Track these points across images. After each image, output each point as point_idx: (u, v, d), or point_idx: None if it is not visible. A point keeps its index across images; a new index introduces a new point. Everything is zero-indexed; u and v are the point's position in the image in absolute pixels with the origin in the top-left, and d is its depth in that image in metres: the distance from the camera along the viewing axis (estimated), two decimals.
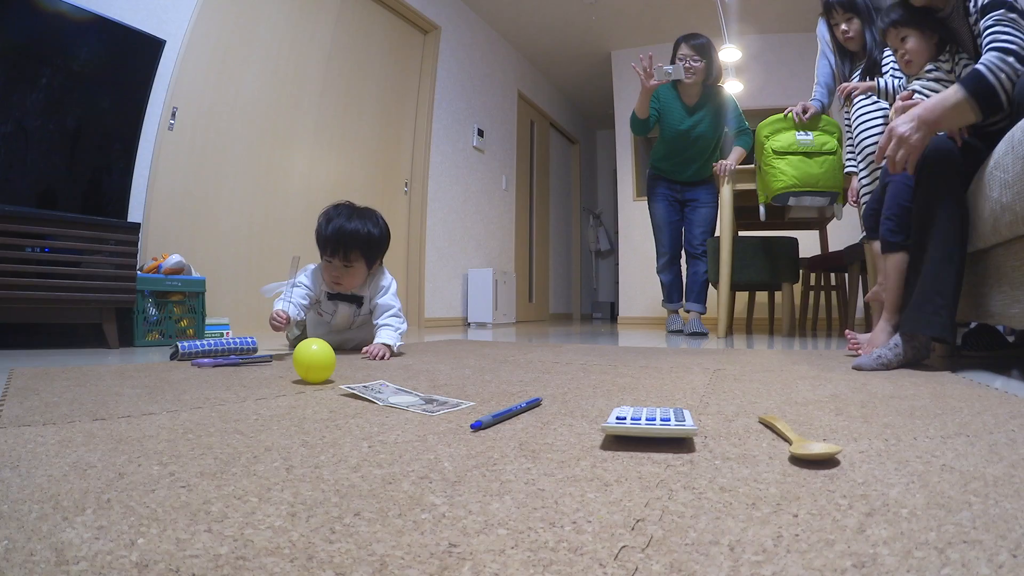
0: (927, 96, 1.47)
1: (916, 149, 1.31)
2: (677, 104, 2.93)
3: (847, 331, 1.69)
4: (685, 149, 2.97)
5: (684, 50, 2.83)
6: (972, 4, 1.37)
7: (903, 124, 1.31)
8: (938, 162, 1.32)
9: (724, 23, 3.89)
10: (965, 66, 1.47)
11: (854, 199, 2.34)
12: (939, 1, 1.46)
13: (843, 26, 1.95)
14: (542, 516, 0.42)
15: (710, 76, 2.88)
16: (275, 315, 1.54)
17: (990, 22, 1.31)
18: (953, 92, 1.28)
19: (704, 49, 2.82)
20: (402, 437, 0.67)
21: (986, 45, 1.30)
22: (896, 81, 1.74)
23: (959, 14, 1.45)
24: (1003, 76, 1.24)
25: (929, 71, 1.53)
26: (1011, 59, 1.25)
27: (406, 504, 0.45)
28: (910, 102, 1.46)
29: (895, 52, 1.59)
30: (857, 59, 2.02)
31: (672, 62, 2.85)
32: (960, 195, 1.33)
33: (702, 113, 2.92)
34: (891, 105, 1.77)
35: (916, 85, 1.55)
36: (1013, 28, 1.28)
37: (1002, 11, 1.30)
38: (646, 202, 3.24)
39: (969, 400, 0.91)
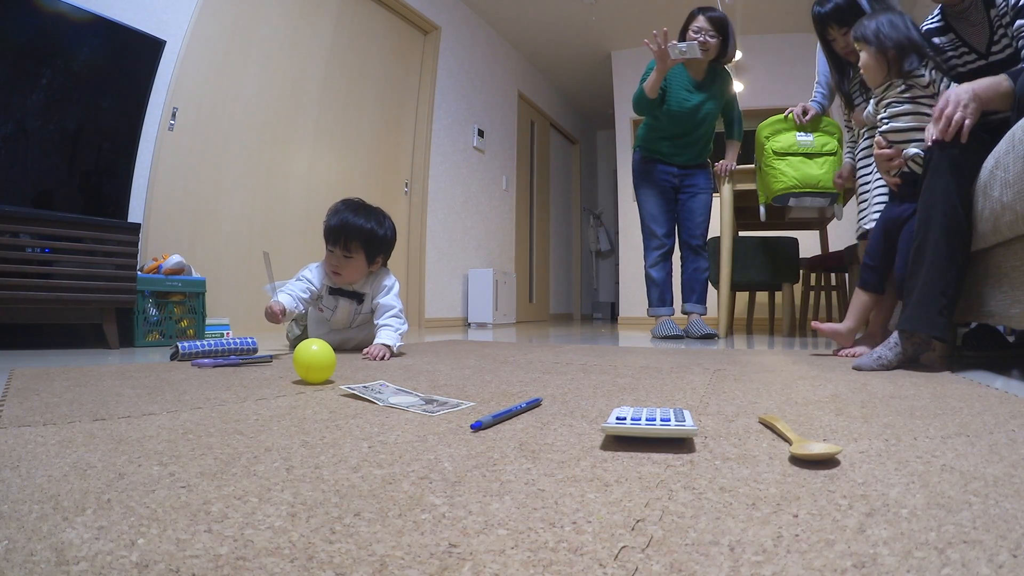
0: (901, 133, 1.51)
1: (970, 116, 1.30)
2: (684, 78, 2.67)
3: (814, 323, 1.72)
4: (692, 129, 2.72)
5: (700, 23, 2.56)
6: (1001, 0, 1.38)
7: (963, 92, 1.30)
8: (942, 160, 1.33)
9: None
10: (942, 80, 1.46)
11: (840, 179, 2.29)
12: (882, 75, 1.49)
13: (840, 42, 1.90)
14: (542, 516, 0.42)
15: (724, 55, 2.63)
16: (269, 307, 1.56)
17: None
18: (1005, 82, 1.29)
19: (722, 24, 2.57)
20: (402, 437, 0.67)
21: None
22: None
23: (977, 9, 1.45)
24: None
25: (902, 91, 1.52)
26: None
27: (406, 504, 0.45)
28: (886, 151, 1.53)
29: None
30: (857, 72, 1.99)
31: (682, 34, 2.61)
32: (964, 195, 1.33)
33: (709, 91, 2.69)
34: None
35: (885, 118, 1.55)
36: None
37: None
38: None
39: (969, 400, 0.91)
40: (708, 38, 2.54)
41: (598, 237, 7.05)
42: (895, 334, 1.36)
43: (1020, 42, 1.35)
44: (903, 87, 1.52)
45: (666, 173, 2.80)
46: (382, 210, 1.76)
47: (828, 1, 1.88)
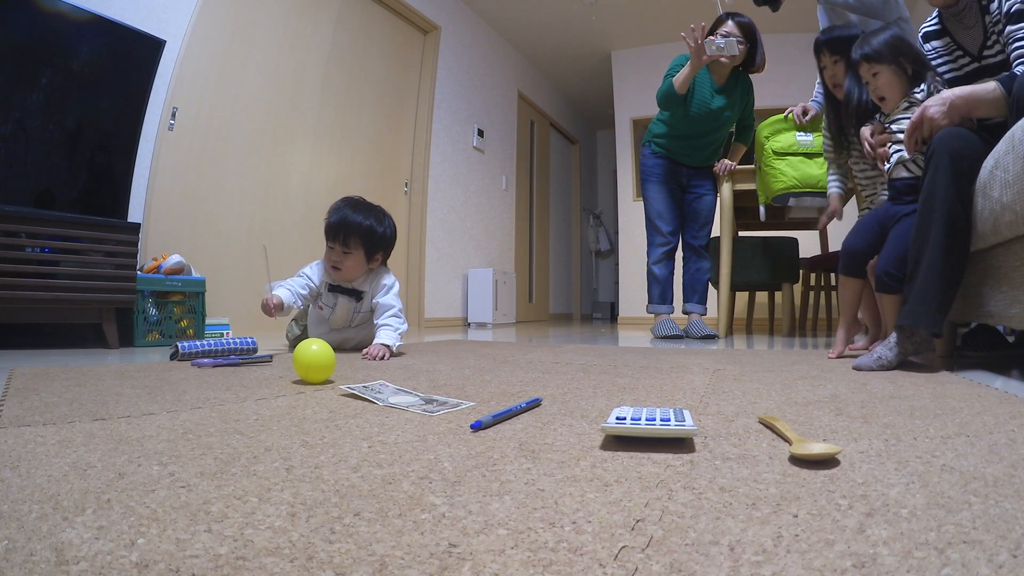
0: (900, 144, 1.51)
1: (937, 126, 1.35)
2: (707, 80, 2.61)
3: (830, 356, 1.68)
4: (707, 132, 2.68)
5: (728, 27, 2.50)
6: (995, 5, 1.39)
7: (934, 106, 1.35)
8: (945, 156, 1.32)
9: None
10: (938, 90, 1.47)
11: (825, 223, 2.18)
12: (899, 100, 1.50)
13: (830, 70, 1.85)
14: (542, 516, 0.42)
15: (753, 64, 2.58)
16: (266, 300, 1.59)
17: (1022, 33, 1.34)
18: (991, 87, 1.30)
19: (750, 30, 2.52)
20: (402, 437, 0.67)
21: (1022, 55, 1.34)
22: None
23: (972, 11, 1.46)
24: None
25: (906, 107, 1.52)
26: None
27: (406, 504, 0.45)
28: (883, 148, 1.55)
29: (867, 85, 1.58)
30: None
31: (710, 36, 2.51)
32: (964, 193, 1.33)
33: (730, 97, 2.65)
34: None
35: (896, 128, 1.55)
36: None
37: None
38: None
39: (969, 400, 0.91)
40: (737, 45, 2.48)
41: (598, 237, 7.06)
42: (893, 333, 1.37)
43: (1010, 47, 1.36)
44: (906, 104, 1.53)
45: (675, 172, 2.78)
46: (383, 208, 1.76)
47: (832, 31, 1.85)
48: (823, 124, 2.06)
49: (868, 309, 1.74)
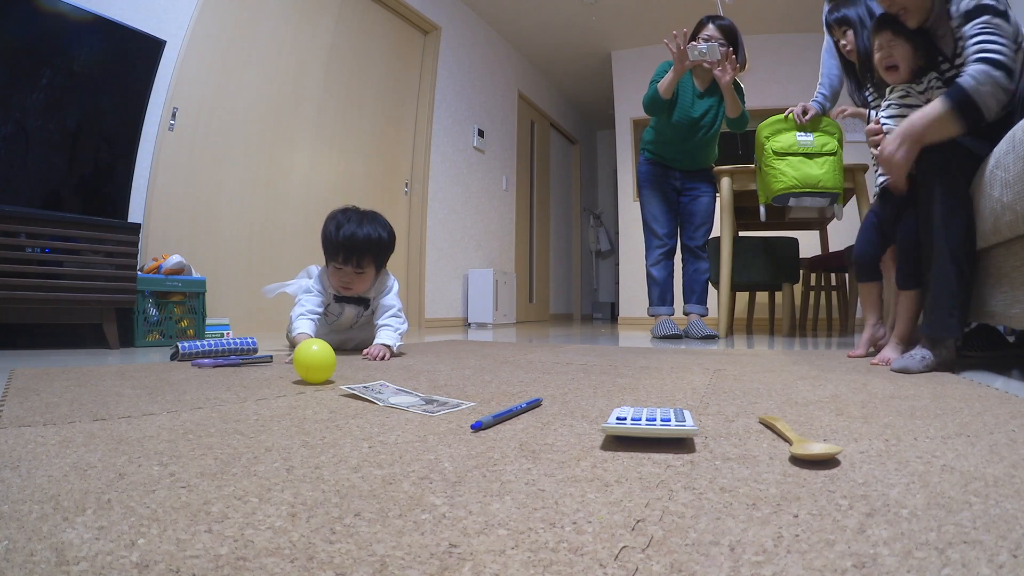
0: (893, 127, 1.49)
1: (901, 166, 1.38)
2: (689, 86, 2.65)
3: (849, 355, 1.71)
4: (692, 137, 2.71)
5: (710, 31, 2.54)
6: (954, 8, 1.36)
7: (889, 145, 1.37)
8: (941, 159, 1.33)
9: None
10: (939, 88, 1.46)
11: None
12: (925, 14, 1.45)
13: (843, 41, 1.94)
14: (542, 516, 0.42)
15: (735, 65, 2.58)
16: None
17: (975, 30, 1.31)
18: (937, 106, 1.31)
19: (731, 33, 2.55)
20: (402, 438, 0.67)
21: (972, 55, 1.31)
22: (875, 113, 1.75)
23: (943, 20, 1.45)
24: (986, 90, 1.26)
25: (902, 95, 1.52)
26: (998, 73, 1.25)
27: (406, 504, 0.45)
28: (878, 136, 1.53)
29: (878, 52, 1.55)
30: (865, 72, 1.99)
31: (692, 41, 2.55)
32: (963, 196, 1.33)
33: (713, 100, 2.67)
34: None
35: (885, 115, 1.55)
36: (998, 36, 1.28)
37: (987, 17, 1.29)
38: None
39: (969, 400, 0.91)
40: (719, 47, 2.49)
41: (598, 237, 7.05)
42: (920, 348, 1.36)
43: (968, 46, 1.32)
44: (903, 92, 1.52)
45: (667, 176, 2.82)
46: (377, 213, 1.73)
47: (837, 9, 1.92)
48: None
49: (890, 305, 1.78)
